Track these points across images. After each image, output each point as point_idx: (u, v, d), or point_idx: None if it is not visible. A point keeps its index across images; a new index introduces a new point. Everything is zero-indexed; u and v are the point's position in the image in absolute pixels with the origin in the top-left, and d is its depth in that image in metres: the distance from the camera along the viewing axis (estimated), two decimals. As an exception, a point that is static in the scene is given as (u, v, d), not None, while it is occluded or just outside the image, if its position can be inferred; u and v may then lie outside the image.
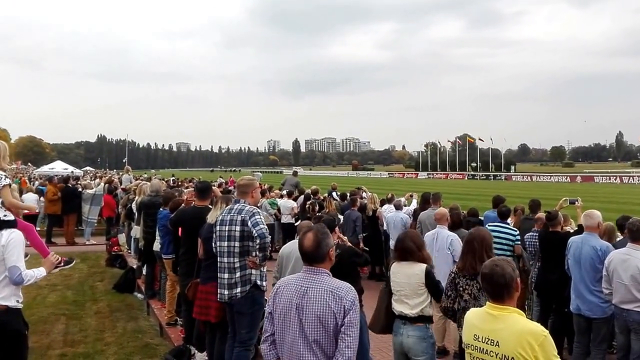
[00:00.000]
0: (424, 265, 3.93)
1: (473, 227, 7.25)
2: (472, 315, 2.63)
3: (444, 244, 5.68)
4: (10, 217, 3.46)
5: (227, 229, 4.28)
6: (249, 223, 4.19)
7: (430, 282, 3.91)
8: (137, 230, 8.28)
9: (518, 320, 2.42)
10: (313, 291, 2.53)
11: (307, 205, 10.08)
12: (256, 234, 4.17)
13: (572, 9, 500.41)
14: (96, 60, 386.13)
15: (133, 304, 7.88)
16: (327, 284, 2.55)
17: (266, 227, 4.31)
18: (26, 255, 3.90)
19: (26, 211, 5.35)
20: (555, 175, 60.11)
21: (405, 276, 3.92)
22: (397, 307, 3.97)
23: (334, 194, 12.77)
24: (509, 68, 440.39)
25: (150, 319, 7.14)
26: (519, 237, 6.46)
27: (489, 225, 6.82)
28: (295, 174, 17.18)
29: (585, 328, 4.91)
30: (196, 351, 5.30)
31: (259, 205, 5.18)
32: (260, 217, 4.27)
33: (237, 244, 4.24)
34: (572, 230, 6.02)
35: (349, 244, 5.17)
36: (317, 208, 9.58)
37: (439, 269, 4.83)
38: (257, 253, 4.23)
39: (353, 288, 2.60)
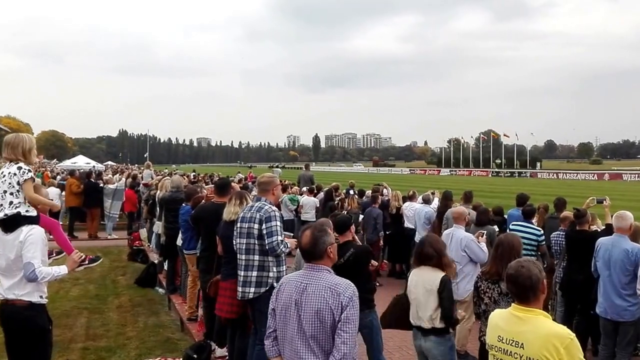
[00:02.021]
0: (441, 274, 3.82)
1: (496, 225, 7.19)
2: (497, 316, 2.61)
3: (458, 246, 5.57)
4: (33, 212, 3.36)
5: (246, 226, 4.25)
6: (264, 230, 4.11)
7: (444, 291, 3.74)
8: (159, 226, 8.38)
9: (544, 322, 2.39)
10: (312, 287, 2.57)
11: (336, 202, 10.04)
12: (267, 247, 4.10)
13: (603, 0, 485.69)
14: (117, 56, 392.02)
15: (154, 299, 7.96)
16: (326, 280, 2.58)
17: (281, 236, 4.15)
18: (61, 253, 3.81)
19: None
20: (582, 173, 58.67)
21: (422, 281, 3.85)
22: (414, 321, 3.92)
23: (351, 191, 12.71)
24: (535, 62, 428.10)
25: (172, 314, 7.22)
26: (543, 237, 6.31)
27: (512, 225, 6.68)
28: (307, 167, 17.12)
29: (612, 331, 4.81)
30: (216, 347, 5.33)
31: (280, 200, 5.14)
32: (276, 222, 4.14)
33: (256, 241, 4.21)
34: (599, 230, 5.83)
35: (359, 242, 5.11)
36: (345, 205, 9.54)
37: None
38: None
39: (352, 284, 2.60)
